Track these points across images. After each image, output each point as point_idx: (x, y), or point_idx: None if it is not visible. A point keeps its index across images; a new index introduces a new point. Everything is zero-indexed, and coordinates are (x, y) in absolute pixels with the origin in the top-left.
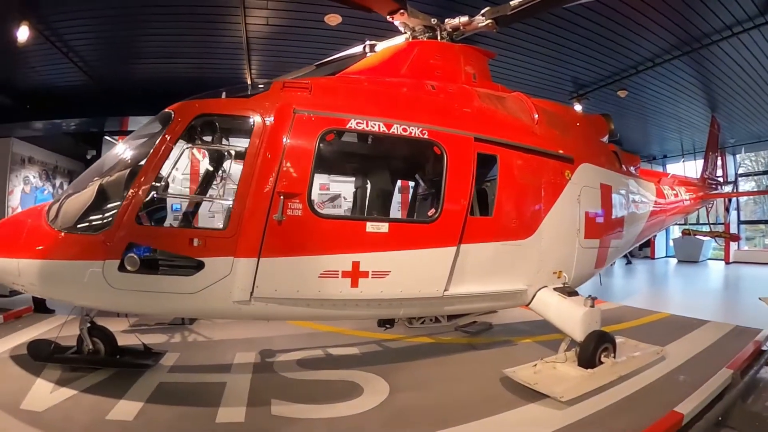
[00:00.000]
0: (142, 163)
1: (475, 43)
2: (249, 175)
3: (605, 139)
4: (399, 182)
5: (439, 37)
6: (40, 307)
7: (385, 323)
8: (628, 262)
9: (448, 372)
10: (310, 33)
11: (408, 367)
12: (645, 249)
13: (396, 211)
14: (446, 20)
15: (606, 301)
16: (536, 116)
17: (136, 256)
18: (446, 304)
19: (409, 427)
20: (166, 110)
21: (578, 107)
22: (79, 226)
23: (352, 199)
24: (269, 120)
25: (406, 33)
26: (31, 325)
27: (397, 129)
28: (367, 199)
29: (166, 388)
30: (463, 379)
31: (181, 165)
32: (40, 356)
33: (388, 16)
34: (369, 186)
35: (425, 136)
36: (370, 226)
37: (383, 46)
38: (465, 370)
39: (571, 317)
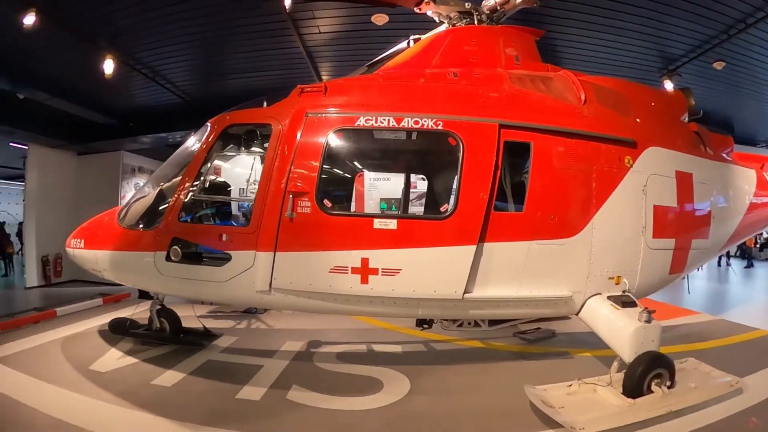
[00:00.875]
0: (184, 170)
1: (539, 24)
2: (267, 177)
3: (685, 117)
4: (414, 177)
5: (476, 22)
6: (143, 294)
7: (423, 323)
8: (749, 265)
9: (477, 380)
10: (361, 34)
11: (441, 371)
12: None
13: (412, 207)
14: (483, 3)
15: (699, 312)
16: (583, 96)
17: (178, 249)
18: (471, 308)
19: None
20: (206, 123)
21: (669, 85)
22: (137, 224)
23: (363, 196)
24: (285, 125)
25: (444, 23)
26: (125, 307)
27: (408, 122)
28: (377, 195)
29: (209, 365)
30: (489, 390)
31: (215, 170)
32: (118, 331)
33: (415, 8)
34: (379, 182)
35: (440, 128)
36: (378, 223)
37: (443, 12)
38: (496, 381)
39: (620, 333)
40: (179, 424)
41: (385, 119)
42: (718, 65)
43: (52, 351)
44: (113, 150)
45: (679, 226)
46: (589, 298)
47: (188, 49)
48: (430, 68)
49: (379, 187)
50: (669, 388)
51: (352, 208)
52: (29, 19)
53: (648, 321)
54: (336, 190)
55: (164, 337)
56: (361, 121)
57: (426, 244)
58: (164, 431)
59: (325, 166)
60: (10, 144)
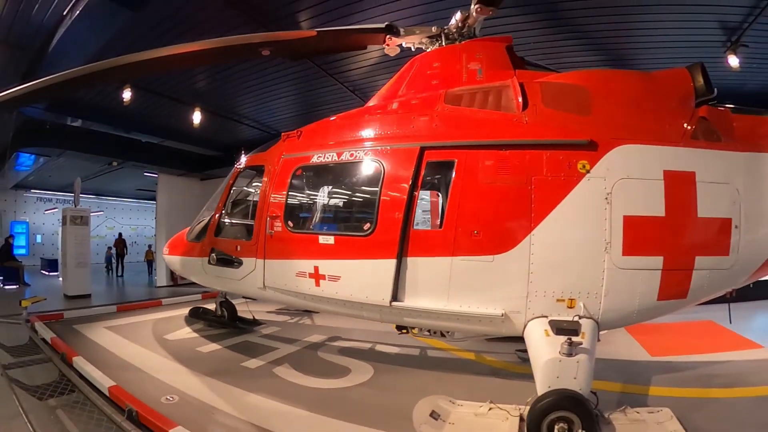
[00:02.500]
0: (218, 201)
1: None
2: (260, 204)
3: (689, 101)
4: (351, 200)
5: (445, 42)
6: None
7: (402, 329)
8: None
9: (431, 385)
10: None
11: (410, 372)
12: None
13: (348, 225)
14: (450, 24)
15: (759, 344)
16: (521, 102)
17: (214, 256)
18: (403, 316)
19: (328, 409)
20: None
21: (734, 61)
22: (195, 238)
23: (314, 217)
24: (271, 165)
25: (420, 49)
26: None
27: (346, 156)
28: (323, 216)
29: (243, 343)
30: (428, 395)
31: (237, 199)
32: (194, 316)
33: (385, 45)
34: (326, 205)
35: (368, 157)
36: (322, 239)
37: (406, 29)
38: (448, 389)
39: (537, 362)
40: (188, 371)
41: (331, 155)
42: None
43: (145, 325)
44: (219, 177)
45: (671, 240)
46: (532, 319)
47: (258, 99)
48: (390, 99)
49: (327, 209)
50: None
51: (307, 227)
52: (126, 94)
53: (569, 354)
54: (297, 213)
55: (223, 322)
56: (314, 159)
57: (356, 257)
58: (176, 372)
59: (289, 195)
60: (144, 173)
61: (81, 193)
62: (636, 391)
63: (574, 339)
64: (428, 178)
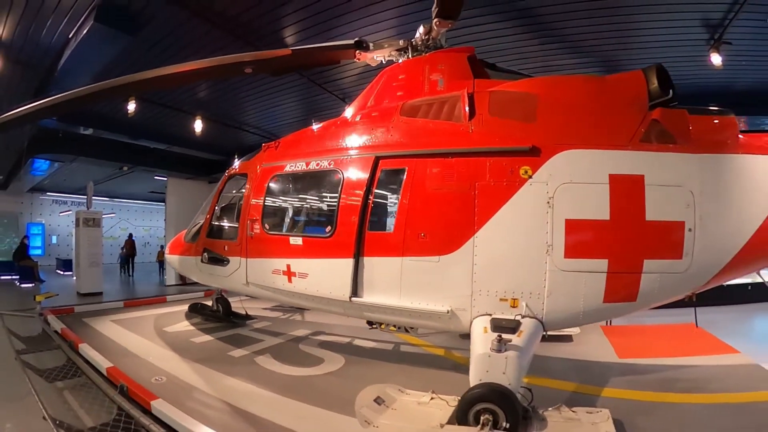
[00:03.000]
0: (209, 205)
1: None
2: (243, 208)
3: (644, 104)
4: (318, 205)
5: (410, 55)
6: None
7: (371, 324)
8: None
9: (394, 377)
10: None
11: (380, 365)
12: None
13: (316, 227)
14: (416, 36)
15: (740, 351)
16: (467, 110)
17: (206, 255)
18: (363, 310)
19: (293, 393)
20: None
21: (717, 59)
22: (191, 239)
23: (287, 220)
24: (252, 173)
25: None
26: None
27: (313, 165)
28: (293, 219)
29: (234, 336)
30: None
31: (226, 204)
32: (193, 310)
33: (356, 59)
34: (295, 209)
35: (331, 166)
36: (292, 240)
37: (375, 44)
38: (409, 381)
39: (472, 357)
40: (179, 357)
41: (300, 164)
42: None
43: (148, 319)
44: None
45: (615, 243)
46: (477, 317)
47: (260, 108)
48: (360, 110)
49: (296, 213)
50: (506, 429)
51: (280, 229)
52: (131, 106)
53: (498, 350)
54: (272, 216)
55: (218, 317)
56: (287, 168)
57: (320, 256)
58: (168, 359)
59: (266, 200)
60: (155, 177)
61: (95, 196)
62: (589, 392)
63: (504, 336)
64: (382, 185)
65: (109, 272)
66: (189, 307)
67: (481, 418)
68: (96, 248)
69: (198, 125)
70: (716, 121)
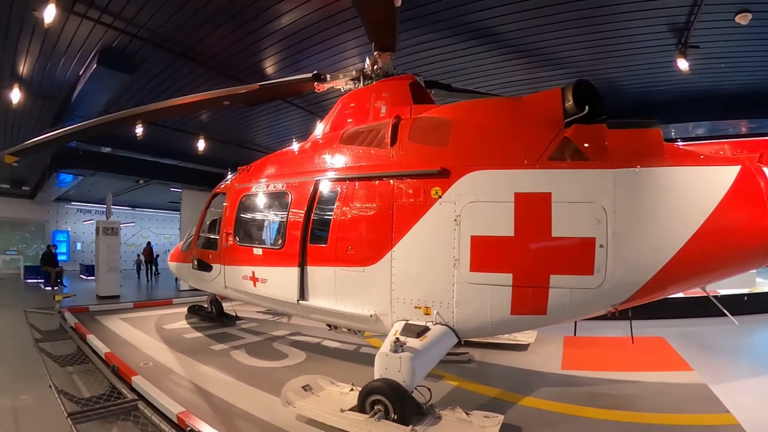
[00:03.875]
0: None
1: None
2: (222, 223)
3: (558, 122)
4: (276, 220)
5: (362, 84)
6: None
7: (329, 326)
8: None
9: (343, 373)
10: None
11: (335, 363)
12: None
13: (273, 240)
14: (366, 67)
15: (693, 369)
16: (389, 137)
17: (196, 262)
18: (309, 312)
19: (250, 379)
20: None
21: (684, 65)
22: (185, 248)
23: (253, 233)
24: (228, 193)
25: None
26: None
27: (272, 187)
28: (256, 232)
29: (221, 334)
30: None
31: (210, 219)
32: (191, 311)
33: (316, 89)
34: (257, 224)
35: (283, 188)
36: (255, 250)
37: (331, 75)
38: (354, 377)
39: (376, 355)
40: (168, 349)
41: (263, 186)
42: (743, 18)
43: (152, 318)
44: None
45: (520, 258)
46: (396, 321)
47: (265, 128)
48: (314, 137)
49: (258, 227)
50: (395, 420)
51: (247, 241)
52: (139, 130)
53: (395, 351)
54: (241, 230)
55: (212, 317)
56: (253, 189)
57: (275, 264)
58: (159, 349)
59: (238, 216)
60: (170, 189)
61: (119, 205)
62: (508, 399)
63: (407, 339)
64: (320, 205)
65: (131, 277)
66: (188, 308)
67: (375, 407)
68: (114, 255)
69: (201, 144)
70: (637, 135)
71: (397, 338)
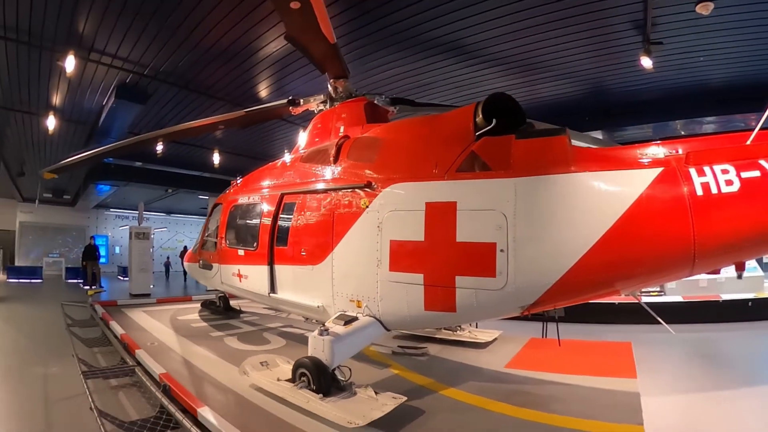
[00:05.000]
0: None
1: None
2: (218, 229)
3: (469, 135)
4: (255, 226)
5: (328, 106)
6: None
7: (306, 319)
8: None
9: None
10: None
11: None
12: None
13: (253, 243)
14: (330, 90)
15: (636, 378)
16: (333, 155)
17: (201, 261)
18: (278, 304)
19: (230, 358)
20: None
21: (647, 62)
22: (194, 251)
23: (239, 237)
24: (223, 203)
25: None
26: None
27: (252, 199)
28: (240, 237)
29: (223, 324)
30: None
31: (211, 225)
32: (203, 306)
33: (292, 113)
34: (242, 230)
35: (258, 200)
36: (240, 251)
37: (303, 99)
38: None
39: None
40: (175, 334)
41: (245, 198)
42: (704, 8)
43: (169, 311)
44: None
45: (429, 260)
46: (337, 312)
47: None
48: (297, 152)
49: (242, 232)
50: (313, 390)
51: (234, 244)
52: (159, 147)
53: (320, 334)
54: (231, 235)
55: (219, 311)
56: (239, 200)
57: (252, 263)
58: (167, 333)
59: (229, 222)
60: (199, 196)
61: (155, 212)
62: (432, 388)
63: (327, 324)
64: (284, 214)
65: (161, 278)
66: (201, 303)
67: (302, 378)
68: (145, 257)
69: (216, 157)
70: (541, 143)
71: (323, 324)
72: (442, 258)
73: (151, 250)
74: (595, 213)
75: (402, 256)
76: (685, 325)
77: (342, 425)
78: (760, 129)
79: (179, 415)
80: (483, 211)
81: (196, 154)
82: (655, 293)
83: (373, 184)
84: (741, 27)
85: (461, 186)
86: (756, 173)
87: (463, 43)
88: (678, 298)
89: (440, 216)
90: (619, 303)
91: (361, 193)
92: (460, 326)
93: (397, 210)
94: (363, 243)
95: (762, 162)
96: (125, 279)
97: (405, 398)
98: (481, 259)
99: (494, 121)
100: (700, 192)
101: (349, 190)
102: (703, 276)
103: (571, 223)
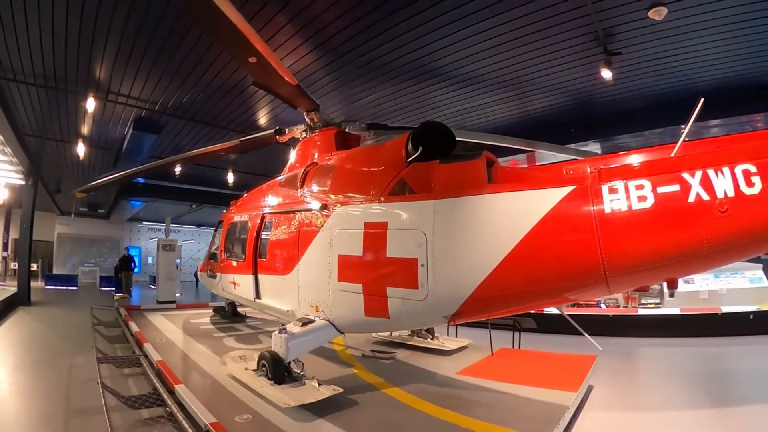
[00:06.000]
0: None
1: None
2: (221, 243)
3: (402, 162)
4: (245, 240)
5: (309, 134)
6: None
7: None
8: None
9: None
10: None
11: None
12: None
13: (239, 256)
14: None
15: (575, 391)
16: (299, 182)
17: (208, 271)
18: (261, 308)
19: (222, 353)
20: None
21: (607, 74)
22: (204, 262)
23: (234, 250)
24: (224, 221)
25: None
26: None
27: (242, 218)
28: (234, 250)
29: (227, 326)
30: None
31: (217, 239)
32: (215, 311)
33: (279, 141)
34: (236, 244)
35: (247, 219)
36: (234, 263)
37: (288, 129)
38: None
39: None
40: (183, 333)
41: (239, 217)
42: (656, 13)
43: (185, 315)
44: None
45: (366, 273)
46: (302, 315)
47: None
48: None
49: (235, 246)
50: (271, 379)
51: (231, 256)
52: (177, 168)
53: (279, 333)
54: (229, 248)
55: (227, 316)
56: (234, 219)
57: (242, 273)
58: (176, 333)
59: (227, 239)
60: (223, 211)
61: (186, 224)
62: (378, 386)
63: (287, 325)
64: (265, 231)
65: (192, 287)
66: (213, 309)
67: (261, 368)
68: (171, 267)
69: (231, 177)
70: (460, 168)
71: (282, 324)
72: (376, 271)
73: (178, 260)
74: (503, 231)
75: (347, 269)
76: (683, 339)
77: (279, 405)
78: (684, 140)
79: (164, 393)
80: (408, 230)
81: (216, 173)
82: (653, 305)
83: (328, 206)
84: (700, 30)
85: (391, 208)
86: (674, 187)
87: (431, 66)
88: (676, 311)
89: (375, 234)
90: (614, 315)
91: (319, 214)
92: (432, 334)
93: (343, 229)
94: (319, 257)
95: (684, 175)
96: (155, 287)
97: (342, 390)
98: (406, 272)
99: (420, 148)
100: (608, 210)
101: (310, 212)
102: (704, 287)
103: (481, 240)
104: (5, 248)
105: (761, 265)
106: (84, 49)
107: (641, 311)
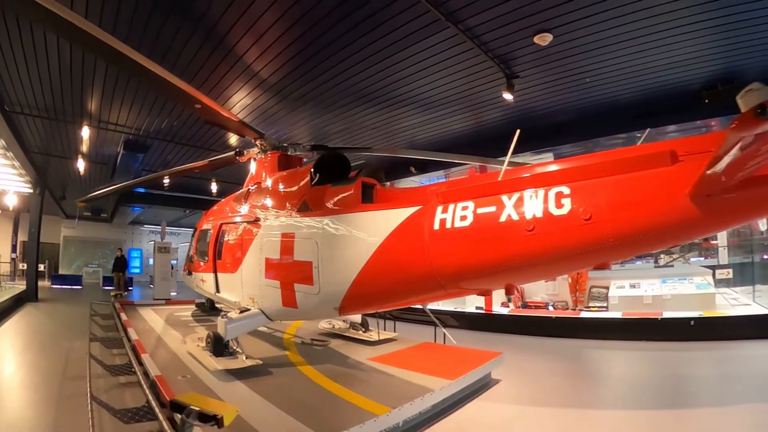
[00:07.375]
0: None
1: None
2: (194, 246)
3: (308, 185)
4: (206, 245)
5: (261, 155)
6: None
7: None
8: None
9: (246, 340)
10: None
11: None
12: None
13: (205, 258)
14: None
15: (451, 378)
16: (245, 198)
17: (187, 270)
18: (220, 300)
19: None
20: None
21: (509, 96)
22: (185, 263)
23: (201, 253)
24: (198, 228)
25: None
26: None
27: (207, 226)
28: (201, 253)
29: (204, 318)
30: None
31: (192, 244)
32: (197, 306)
33: (240, 160)
34: (203, 248)
35: (210, 227)
36: (201, 263)
37: (246, 151)
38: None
39: None
40: (165, 324)
41: (207, 225)
42: (541, 39)
43: (171, 309)
44: None
45: (282, 272)
46: (246, 306)
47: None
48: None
49: (202, 249)
50: (212, 352)
51: (199, 258)
52: (167, 182)
53: (221, 317)
54: (198, 251)
55: (206, 310)
56: (204, 226)
57: (206, 272)
58: (159, 323)
59: (198, 243)
60: None
61: (183, 227)
62: (297, 364)
63: (227, 312)
64: (221, 237)
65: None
66: (195, 304)
67: (207, 344)
68: (166, 267)
69: (214, 186)
70: (342, 190)
71: (224, 311)
72: (287, 271)
73: (173, 262)
74: (364, 242)
75: (270, 269)
76: (624, 342)
77: (210, 369)
78: (509, 166)
79: (134, 361)
80: (306, 240)
81: (202, 183)
82: (596, 309)
83: (260, 219)
84: (588, 51)
85: (298, 222)
86: (491, 209)
87: (364, 92)
88: (618, 315)
89: (287, 242)
90: (556, 317)
91: (255, 225)
92: (366, 327)
93: (268, 237)
94: (254, 259)
95: (503, 197)
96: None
97: (260, 362)
98: (306, 272)
99: (318, 175)
100: (437, 227)
101: (250, 223)
102: (649, 292)
103: (350, 249)
104: (14, 250)
105: (711, 271)
106: (76, 89)
107: (583, 314)
